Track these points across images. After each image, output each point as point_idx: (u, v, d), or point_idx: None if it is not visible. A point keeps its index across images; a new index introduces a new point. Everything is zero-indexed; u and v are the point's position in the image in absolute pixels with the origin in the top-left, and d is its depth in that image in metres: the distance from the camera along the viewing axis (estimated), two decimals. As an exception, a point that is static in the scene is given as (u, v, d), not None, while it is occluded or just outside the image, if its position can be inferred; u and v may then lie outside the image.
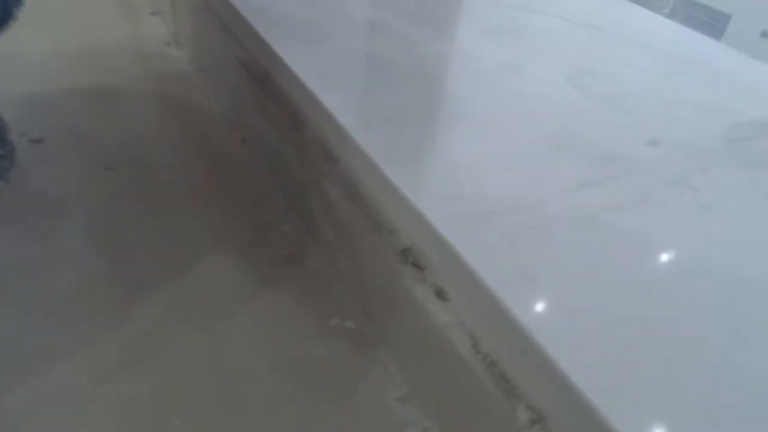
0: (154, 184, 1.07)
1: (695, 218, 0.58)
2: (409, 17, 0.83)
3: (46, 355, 0.58)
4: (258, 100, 1.15)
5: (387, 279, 0.84)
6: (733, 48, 0.82)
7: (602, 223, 0.73)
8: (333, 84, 0.77)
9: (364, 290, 0.95)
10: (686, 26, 0.88)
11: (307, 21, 0.82)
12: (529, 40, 0.82)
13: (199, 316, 0.85)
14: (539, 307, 0.49)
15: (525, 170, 0.84)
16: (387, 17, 0.83)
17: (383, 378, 0.82)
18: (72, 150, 1.09)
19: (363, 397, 0.80)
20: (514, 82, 0.77)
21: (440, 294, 0.74)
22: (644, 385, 0.39)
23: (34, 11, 1.01)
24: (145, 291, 0.90)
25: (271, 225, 1.05)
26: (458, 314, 0.72)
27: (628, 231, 0.69)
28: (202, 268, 0.92)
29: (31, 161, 0.86)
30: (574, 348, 0.43)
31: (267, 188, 1.14)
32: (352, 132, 0.87)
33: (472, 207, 0.74)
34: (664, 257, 0.52)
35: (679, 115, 0.91)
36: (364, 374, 0.83)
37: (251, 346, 0.81)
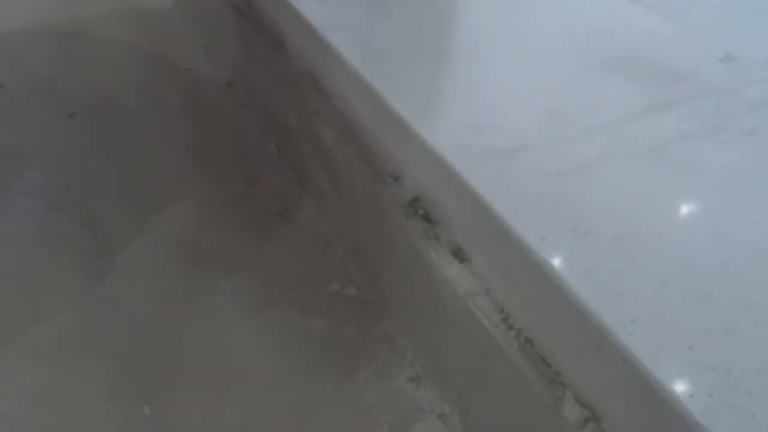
0: (127, 133, 0.96)
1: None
2: None
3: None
4: (240, 31, 1.05)
5: (393, 236, 0.74)
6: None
7: (672, 158, 0.62)
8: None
9: (367, 251, 0.86)
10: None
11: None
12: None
13: (176, 285, 0.74)
14: (595, 271, 0.45)
15: (569, 94, 0.73)
16: None
17: (391, 355, 0.73)
18: (34, 96, 0.99)
19: (367, 377, 0.69)
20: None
21: (459, 254, 0.64)
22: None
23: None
24: (112, 256, 0.78)
25: (260, 177, 0.96)
26: (483, 279, 0.61)
27: (708, 168, 0.59)
28: (182, 228, 0.82)
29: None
30: (650, 329, 0.39)
31: (256, 136, 1.05)
32: (343, 52, 0.75)
33: (499, 140, 0.64)
34: (761, 208, 0.49)
35: (755, 27, 0.82)
36: (368, 351, 0.73)
37: (239, 320, 0.70)
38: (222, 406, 0.60)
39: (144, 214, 0.88)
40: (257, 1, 1.00)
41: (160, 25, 1.26)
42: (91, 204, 0.87)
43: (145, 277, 0.74)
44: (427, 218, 0.69)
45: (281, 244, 0.90)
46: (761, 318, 0.40)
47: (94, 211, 0.87)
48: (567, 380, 0.47)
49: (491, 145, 0.60)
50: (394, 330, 0.80)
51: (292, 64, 0.95)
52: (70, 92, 1.10)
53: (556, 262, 0.47)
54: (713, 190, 0.56)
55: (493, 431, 0.60)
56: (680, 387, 0.36)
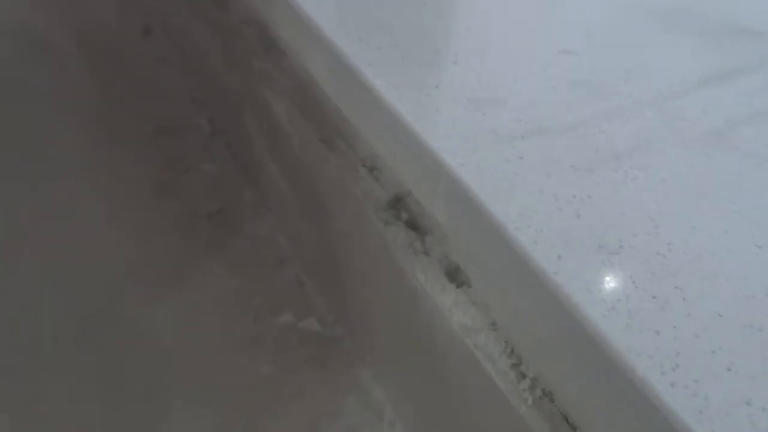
0: (6, 97, 0.95)
1: None
2: None
3: None
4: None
5: (367, 250, 0.77)
6: None
7: (737, 144, 0.64)
8: None
9: (332, 269, 0.87)
10: None
11: None
12: None
13: (58, 320, 0.71)
14: (628, 300, 0.49)
15: (601, 58, 0.76)
16: None
17: (363, 412, 0.74)
18: None
19: (333, 446, 0.73)
20: None
21: (455, 275, 0.66)
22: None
23: None
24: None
25: (186, 163, 0.96)
26: (486, 310, 0.64)
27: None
28: (74, 232, 0.81)
29: None
30: (696, 378, 0.44)
31: (181, 104, 1.05)
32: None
33: (506, 119, 0.67)
34: None
35: None
36: (332, 406, 0.75)
37: (154, 372, 0.69)
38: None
39: (25, 209, 0.87)
40: None
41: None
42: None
43: (9, 315, 0.73)
44: (413, 225, 0.71)
45: (214, 257, 0.91)
46: None
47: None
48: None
49: (495, 126, 0.62)
50: (367, 377, 0.81)
51: (231, 7, 0.99)
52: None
53: (575, 288, 0.49)
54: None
55: None
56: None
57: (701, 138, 0.66)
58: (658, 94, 0.71)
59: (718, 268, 0.53)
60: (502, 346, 0.61)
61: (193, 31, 1.11)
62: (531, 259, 0.53)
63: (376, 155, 0.75)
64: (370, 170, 0.78)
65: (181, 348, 0.78)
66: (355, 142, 0.80)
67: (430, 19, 0.78)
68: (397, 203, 0.73)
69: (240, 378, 0.73)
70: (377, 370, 0.85)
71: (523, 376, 0.58)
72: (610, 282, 0.51)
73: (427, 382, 0.75)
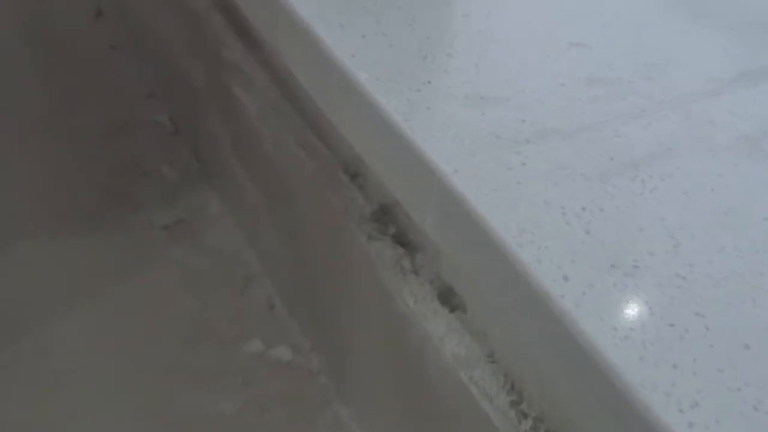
0: None
1: None
2: None
3: None
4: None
5: (348, 268, 0.79)
6: None
7: None
8: None
9: (309, 290, 0.90)
10: None
11: None
12: None
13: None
14: (643, 329, 0.50)
15: (619, 51, 0.76)
16: None
17: None
18: None
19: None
20: None
21: (448, 298, 0.67)
22: None
23: None
24: None
25: (142, 165, 0.98)
26: (483, 339, 0.65)
27: None
28: (8, 255, 0.83)
29: None
30: (718, 418, 0.45)
31: (138, 98, 1.07)
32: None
33: (509, 120, 0.67)
34: None
35: None
36: None
37: (94, 403, 0.72)
38: None
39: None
40: None
41: None
42: None
43: None
44: (401, 240, 0.71)
45: (171, 275, 0.93)
46: None
47: None
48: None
49: (495, 128, 0.63)
50: (347, 417, 0.82)
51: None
52: None
53: (584, 314, 0.49)
54: None
55: None
56: None
57: (730, 145, 0.67)
58: (682, 94, 0.72)
59: (747, 293, 0.54)
60: (501, 380, 0.62)
61: (152, 14, 1.11)
62: (534, 280, 0.53)
63: (360, 160, 0.76)
64: (353, 177, 0.78)
65: (125, 381, 0.78)
66: (335, 145, 0.81)
67: (422, 4, 0.80)
68: (383, 215, 0.74)
69: (197, 418, 0.73)
70: (359, 408, 0.85)
71: (525, 415, 0.59)
72: (623, 307, 0.52)
73: (416, 422, 0.75)
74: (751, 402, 0.47)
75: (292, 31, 0.79)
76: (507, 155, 0.63)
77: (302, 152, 0.84)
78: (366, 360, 0.82)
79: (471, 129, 0.66)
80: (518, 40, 0.77)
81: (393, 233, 0.73)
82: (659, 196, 0.62)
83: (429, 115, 0.67)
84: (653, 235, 0.58)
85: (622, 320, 0.51)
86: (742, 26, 0.80)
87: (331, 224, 0.81)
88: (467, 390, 0.64)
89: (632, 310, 0.52)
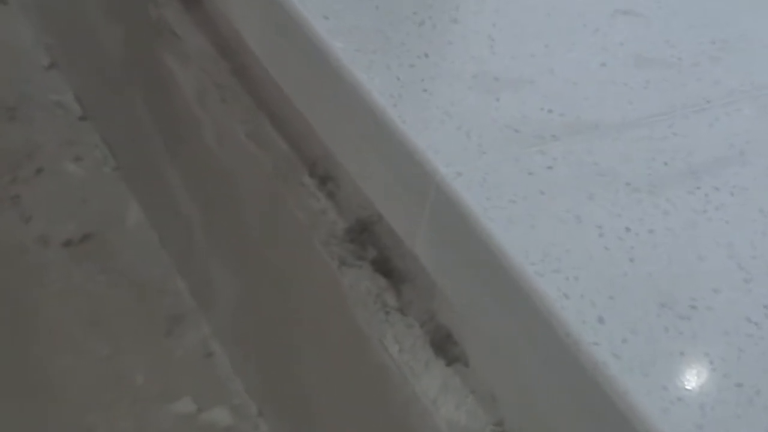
0: None
1: None
2: None
3: None
4: None
5: (313, 302, 0.81)
6: None
7: None
8: None
9: (258, 331, 0.95)
10: None
11: None
12: None
13: None
14: (712, 392, 0.51)
15: (681, 24, 0.78)
16: None
17: None
18: None
19: None
20: None
21: (445, 346, 0.68)
22: None
23: None
24: None
25: (35, 161, 1.02)
26: (491, 402, 0.65)
27: None
28: None
29: None
30: None
31: (31, 70, 1.12)
32: None
33: (533, 109, 0.68)
34: None
35: None
36: None
37: None
38: None
39: None
40: None
41: None
42: None
43: None
44: (383, 268, 0.72)
45: (73, 310, 0.94)
46: None
47: None
48: None
49: (513, 119, 0.64)
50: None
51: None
52: None
53: (624, 368, 0.49)
54: None
55: None
56: None
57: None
58: (760, 83, 0.73)
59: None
60: (514, 458, 0.63)
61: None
62: (559, 321, 0.54)
63: (332, 159, 0.76)
64: (322, 182, 0.78)
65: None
66: (299, 138, 0.81)
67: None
68: (361, 233, 0.74)
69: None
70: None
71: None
72: (675, 360, 0.52)
73: None
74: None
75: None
76: (528, 156, 0.64)
77: (254, 147, 0.84)
78: (334, 428, 0.82)
79: (481, 120, 0.66)
80: (546, 5, 0.78)
81: (373, 258, 0.73)
82: (727, 216, 0.62)
83: (425, 99, 0.67)
84: (718, 267, 0.58)
85: (675, 377, 0.51)
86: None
87: (292, 245, 0.81)
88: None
89: (688, 365, 0.52)
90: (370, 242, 0.73)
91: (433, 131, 0.64)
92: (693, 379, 0.52)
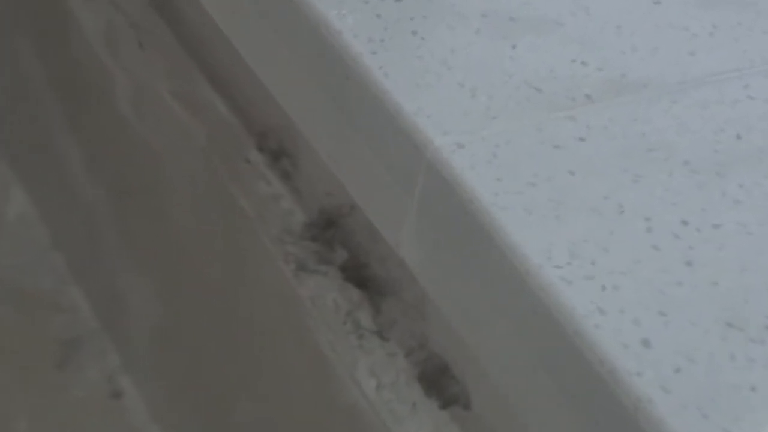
0: None
1: None
2: None
3: None
4: None
5: (260, 320, 0.84)
6: None
7: None
8: None
9: (184, 360, 0.97)
10: None
11: None
12: None
13: None
14: None
15: None
16: None
17: None
18: None
19: None
20: None
21: (439, 383, 0.69)
22: None
23: None
24: None
25: None
26: None
27: None
28: None
29: None
30: None
31: None
32: None
33: (560, 59, 0.70)
34: None
35: None
36: None
37: None
38: None
39: None
40: None
41: None
42: None
43: None
44: (356, 276, 0.74)
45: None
46: None
47: None
48: None
49: (536, 74, 0.67)
50: None
51: None
52: None
53: (678, 405, 0.50)
54: None
55: None
56: None
57: None
58: None
59: None
60: None
61: None
62: (592, 345, 0.54)
63: (289, 128, 0.78)
64: (275, 158, 0.80)
65: None
66: (245, 100, 0.83)
67: None
68: (327, 228, 0.76)
69: None
70: None
71: None
72: (744, 397, 0.53)
73: None
74: None
75: None
76: (554, 123, 0.65)
77: (183, 111, 0.85)
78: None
79: (491, 74, 0.67)
80: None
81: (343, 262, 0.75)
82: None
83: (416, 45, 0.68)
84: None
85: (743, 419, 0.52)
86: None
87: (232, 244, 0.82)
88: None
89: (761, 403, 0.53)
90: (338, 240, 0.75)
91: (426, 89, 0.66)
92: (767, 421, 0.52)
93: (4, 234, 1.03)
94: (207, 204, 0.85)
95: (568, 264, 0.58)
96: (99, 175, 0.99)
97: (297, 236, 0.76)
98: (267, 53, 0.75)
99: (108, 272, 1.00)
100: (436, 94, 0.66)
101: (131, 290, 0.99)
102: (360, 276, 0.74)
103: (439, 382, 0.69)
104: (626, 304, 0.56)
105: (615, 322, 0.55)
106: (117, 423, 0.91)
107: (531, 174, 0.62)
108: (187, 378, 0.92)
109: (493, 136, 0.64)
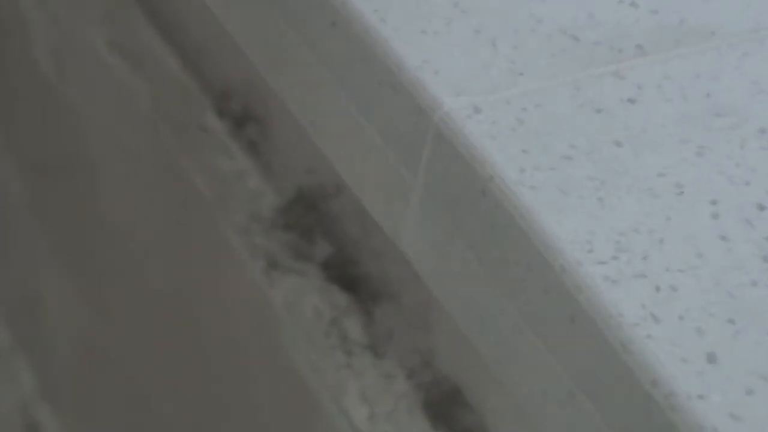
0: None
1: None
2: None
3: None
4: None
5: (222, 330, 0.84)
6: None
7: None
8: None
9: (122, 390, 0.98)
10: None
11: None
12: None
13: None
14: None
15: None
16: None
17: None
18: None
19: None
20: None
21: (447, 411, 0.71)
22: None
23: None
24: None
25: None
26: None
27: None
28: None
29: None
30: None
31: None
32: None
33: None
34: None
35: None
36: None
37: None
38: None
39: None
40: None
41: None
42: None
43: None
44: (344, 275, 0.75)
45: None
46: None
47: None
48: None
49: (573, 20, 0.68)
50: None
51: None
52: None
53: None
54: None
55: None
56: None
57: None
58: None
59: None
60: None
61: None
62: (641, 360, 0.55)
63: (258, 87, 0.79)
64: (239, 126, 0.82)
65: None
66: (201, 52, 0.84)
67: None
68: (306, 215, 0.77)
69: None
70: None
71: None
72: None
73: None
74: None
75: None
76: (595, 81, 0.67)
77: (122, 65, 0.86)
78: None
79: (516, 18, 0.69)
80: None
81: (326, 257, 0.77)
82: None
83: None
84: None
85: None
86: None
87: (185, 235, 0.84)
88: None
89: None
90: (320, 230, 0.76)
91: (433, 37, 0.67)
92: None
93: None
94: (150, 184, 0.85)
95: (613, 259, 0.59)
96: (9, 147, 1.00)
97: (267, 224, 0.76)
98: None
99: (20, 271, 1.01)
100: (445, 43, 0.67)
101: (50, 295, 0.99)
102: (347, 275, 0.75)
103: (448, 410, 0.70)
104: (686, 309, 0.57)
105: (672, 332, 0.56)
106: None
107: (567, 145, 0.64)
108: (120, 408, 0.93)
109: (518, 97, 0.65)
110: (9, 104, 1.00)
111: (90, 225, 0.94)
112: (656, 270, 0.59)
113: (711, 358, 0.55)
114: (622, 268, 0.59)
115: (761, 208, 0.63)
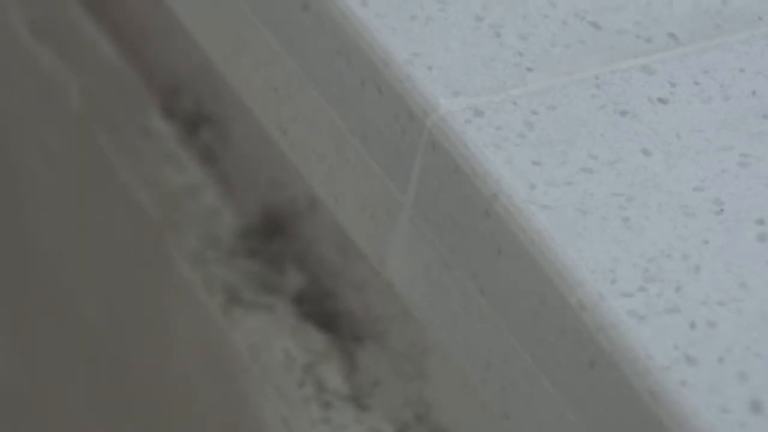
0: None
1: None
2: None
3: None
4: None
5: (176, 392, 0.83)
6: None
7: None
8: None
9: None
10: None
11: None
12: None
13: None
14: None
15: None
16: None
17: None
18: None
19: None
20: None
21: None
22: None
23: None
24: None
25: None
26: None
27: None
28: None
29: None
30: None
31: None
32: None
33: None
34: None
35: None
36: None
37: None
38: None
39: None
40: None
41: None
42: None
43: None
44: (320, 312, 0.77)
45: None
46: None
47: None
48: None
49: (594, 4, 0.71)
50: None
51: None
52: None
53: None
54: None
55: None
56: None
57: None
58: None
59: None
60: None
61: None
62: (676, 411, 0.58)
63: (213, 82, 0.82)
64: (190, 128, 0.85)
65: None
66: (146, 39, 0.87)
67: None
68: (272, 238, 0.80)
69: None
70: None
71: None
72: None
73: None
74: None
75: None
76: (619, 77, 0.69)
77: (44, 53, 0.89)
78: None
79: (524, 1, 0.71)
80: None
81: (298, 290, 0.79)
82: None
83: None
84: None
85: None
86: None
87: (125, 263, 0.86)
88: None
89: None
90: (291, 257, 0.79)
91: (426, 25, 0.70)
92: None
93: None
94: (82, 200, 0.87)
95: (641, 291, 0.61)
96: None
97: (227, 251, 0.78)
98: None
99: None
100: (441, 32, 0.69)
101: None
102: (324, 312, 0.77)
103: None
104: (728, 349, 0.60)
105: (711, 377, 0.58)
106: None
107: (586, 155, 0.66)
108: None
109: (527, 97, 0.67)
110: None
111: (9, 248, 0.95)
112: (691, 303, 0.61)
113: (756, 407, 0.57)
114: (651, 301, 0.61)
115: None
